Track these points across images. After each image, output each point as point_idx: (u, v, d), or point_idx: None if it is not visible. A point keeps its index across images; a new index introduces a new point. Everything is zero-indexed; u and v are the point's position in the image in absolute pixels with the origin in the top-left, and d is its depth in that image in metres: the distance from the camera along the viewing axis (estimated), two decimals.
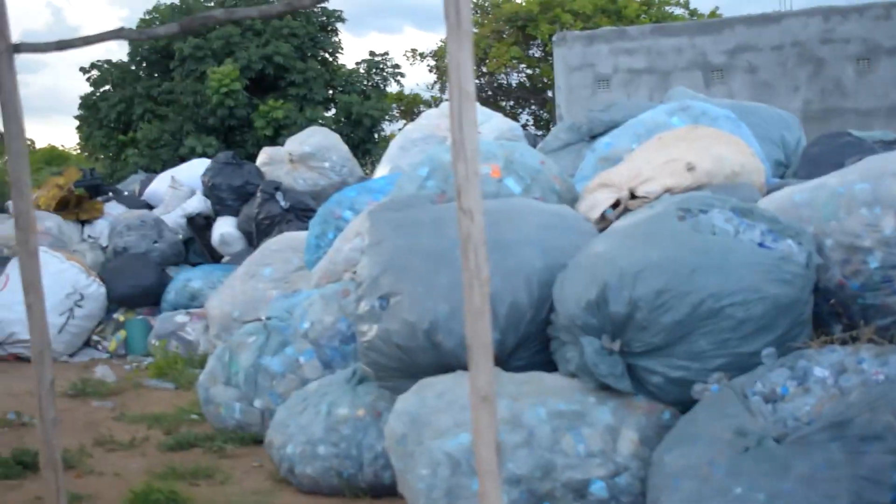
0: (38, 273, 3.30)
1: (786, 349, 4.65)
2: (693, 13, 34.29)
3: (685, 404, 4.70)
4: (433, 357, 5.30)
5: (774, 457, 4.06)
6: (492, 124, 9.82)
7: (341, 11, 30.15)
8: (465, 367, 4.00)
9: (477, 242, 2.68)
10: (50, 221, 12.41)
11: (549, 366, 5.26)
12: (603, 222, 5.98)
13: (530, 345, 5.34)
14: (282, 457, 6.00)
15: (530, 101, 34.09)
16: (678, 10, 34.33)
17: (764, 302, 4.63)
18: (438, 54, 35.38)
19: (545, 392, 4.87)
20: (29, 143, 25.16)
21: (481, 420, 2.74)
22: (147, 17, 29.80)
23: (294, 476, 5.95)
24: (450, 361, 5.23)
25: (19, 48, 3.22)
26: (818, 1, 19.34)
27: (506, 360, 5.25)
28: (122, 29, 3.29)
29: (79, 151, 36.48)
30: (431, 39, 76.67)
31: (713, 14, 33.10)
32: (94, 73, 29.51)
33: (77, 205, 13.04)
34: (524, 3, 32.41)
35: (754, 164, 6.38)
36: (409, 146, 9.95)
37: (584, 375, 4.85)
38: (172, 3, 29.41)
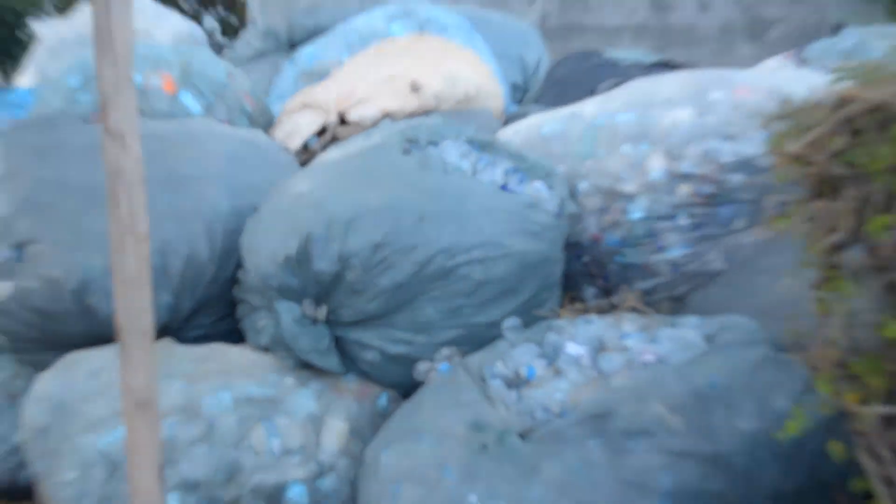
0: None
1: (531, 319, 4.45)
2: None
3: (407, 387, 4.45)
4: (85, 325, 4.85)
5: (519, 457, 3.83)
6: (167, 26, 9.43)
7: None
8: None
9: (132, 181, 2.21)
10: None
11: (236, 335, 4.93)
12: (306, 153, 5.78)
13: (212, 309, 5.04)
14: None
15: (216, 2, 33.61)
16: None
17: (507, 259, 4.43)
18: None
19: (231, 371, 4.53)
20: None
21: (138, 433, 2.34)
22: None
23: None
24: (107, 331, 4.69)
25: None
26: None
27: (180, 328, 4.93)
28: None
29: None
30: None
31: None
32: None
33: None
34: None
35: (492, 87, 6.31)
36: (61, 50, 9.40)
37: (281, 350, 4.55)
38: None
